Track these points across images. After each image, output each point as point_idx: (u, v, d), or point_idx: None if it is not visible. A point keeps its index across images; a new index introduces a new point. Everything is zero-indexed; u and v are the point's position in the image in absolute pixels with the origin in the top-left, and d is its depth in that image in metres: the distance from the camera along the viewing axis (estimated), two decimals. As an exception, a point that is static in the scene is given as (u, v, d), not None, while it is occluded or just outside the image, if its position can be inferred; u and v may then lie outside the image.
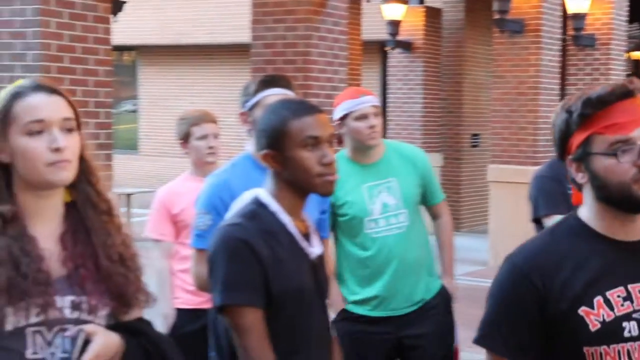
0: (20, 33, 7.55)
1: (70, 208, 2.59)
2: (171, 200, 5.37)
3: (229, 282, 2.83)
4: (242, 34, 15.15)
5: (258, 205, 2.95)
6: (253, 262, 2.81)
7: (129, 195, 15.61)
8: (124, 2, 8.89)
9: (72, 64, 7.70)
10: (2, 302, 2.33)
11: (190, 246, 4.19)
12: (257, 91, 4.12)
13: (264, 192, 2.99)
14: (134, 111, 23.22)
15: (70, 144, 2.44)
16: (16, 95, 2.48)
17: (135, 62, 23.12)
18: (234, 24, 19.24)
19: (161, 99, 22.87)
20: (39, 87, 2.51)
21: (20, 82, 2.56)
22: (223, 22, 20.70)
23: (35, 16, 7.47)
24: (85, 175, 2.55)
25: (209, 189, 4.10)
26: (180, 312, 5.31)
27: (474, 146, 17.92)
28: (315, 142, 2.88)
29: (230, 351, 2.96)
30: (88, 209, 2.60)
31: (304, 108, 3.00)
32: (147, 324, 2.70)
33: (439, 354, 4.86)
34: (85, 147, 2.55)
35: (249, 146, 4.17)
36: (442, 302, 4.92)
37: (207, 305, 4.52)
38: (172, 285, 5.40)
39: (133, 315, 2.62)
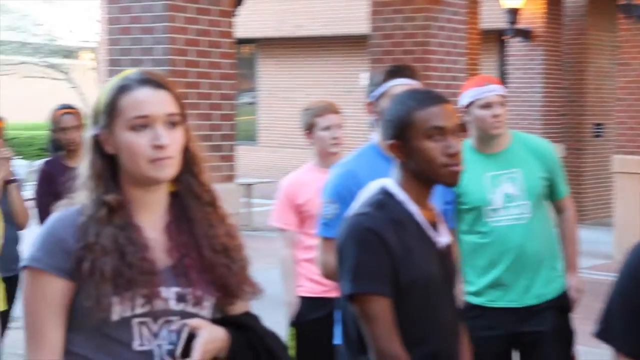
0: (149, 28, 7.68)
1: (174, 198, 2.60)
2: (295, 190, 5.41)
3: (358, 271, 2.82)
4: (357, 26, 15.22)
5: (385, 195, 2.94)
6: (382, 251, 2.80)
7: (249, 185, 15.79)
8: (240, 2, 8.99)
9: (197, 57, 7.80)
10: (108, 291, 2.33)
11: (317, 235, 4.18)
12: (383, 81, 4.10)
13: (390, 181, 2.98)
14: (253, 103, 23.45)
15: (174, 140, 2.44)
16: (123, 89, 2.47)
17: (254, 55, 23.36)
18: (349, 15, 19.33)
19: (279, 91, 23.04)
20: (145, 81, 2.49)
21: (127, 73, 2.54)
22: (339, 14, 20.75)
23: (163, 12, 7.59)
24: (189, 166, 2.55)
25: (335, 178, 4.10)
26: (304, 300, 5.34)
27: (597, 136, 17.52)
28: (440, 133, 2.85)
29: (359, 340, 2.93)
30: (191, 199, 2.60)
31: (430, 98, 2.98)
32: (254, 318, 2.69)
33: (557, 355, 4.80)
34: (190, 139, 2.56)
35: (374, 136, 4.17)
36: (564, 303, 4.87)
37: (331, 294, 4.71)
38: (296, 274, 5.42)
39: (239, 308, 2.62)
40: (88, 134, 2.54)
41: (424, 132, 2.84)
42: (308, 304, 5.33)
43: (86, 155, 2.53)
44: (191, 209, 2.57)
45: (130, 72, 2.53)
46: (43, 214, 6.29)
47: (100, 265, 2.33)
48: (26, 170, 7.16)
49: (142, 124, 2.39)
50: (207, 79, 7.96)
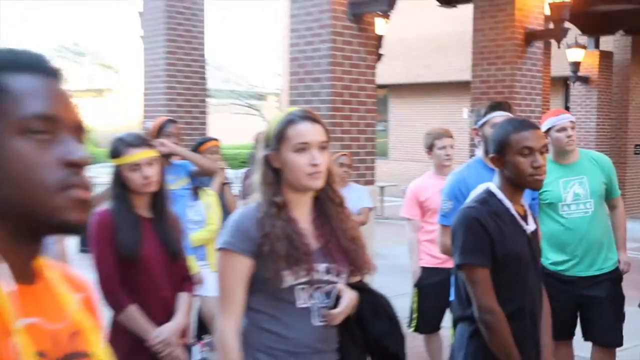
0: (317, 78, 7.96)
1: (315, 201, 2.65)
2: (420, 191, 5.40)
3: (465, 248, 2.84)
4: (461, 74, 15.17)
5: (488, 194, 2.94)
6: (483, 234, 2.81)
7: (382, 187, 15.94)
8: (382, 55, 9.22)
9: (350, 97, 7.96)
10: (282, 267, 2.43)
11: (437, 223, 4.23)
12: (486, 113, 4.16)
13: (492, 185, 2.97)
14: (385, 129, 23.72)
15: (323, 160, 2.50)
16: (290, 122, 2.54)
17: (387, 96, 23.47)
18: (456, 67, 19.27)
19: (404, 121, 23.14)
20: (306, 117, 2.56)
21: (292, 110, 2.63)
22: (448, 67, 20.73)
23: (327, 67, 7.79)
24: (327, 178, 2.59)
25: (451, 183, 4.13)
26: (424, 269, 5.33)
27: (637, 154, 17.66)
28: (529, 151, 2.84)
29: (466, 297, 2.91)
30: (327, 202, 2.65)
31: (524, 125, 2.97)
32: (368, 285, 2.78)
33: (611, 315, 4.67)
34: (329, 159, 2.61)
35: (479, 152, 4.23)
36: (617, 275, 4.79)
37: (444, 265, 4.83)
38: (419, 251, 5.39)
39: (356, 278, 2.69)
40: (261, 153, 2.64)
41: (517, 150, 2.84)
42: (427, 272, 5.31)
43: (259, 168, 2.63)
44: (328, 209, 2.66)
45: (294, 109, 2.67)
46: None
47: (276, 248, 2.46)
48: (233, 176, 7.20)
49: (303, 148, 2.49)
50: (356, 112, 8.07)
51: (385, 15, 8.58)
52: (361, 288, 2.67)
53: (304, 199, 2.61)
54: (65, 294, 1.16)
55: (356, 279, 2.68)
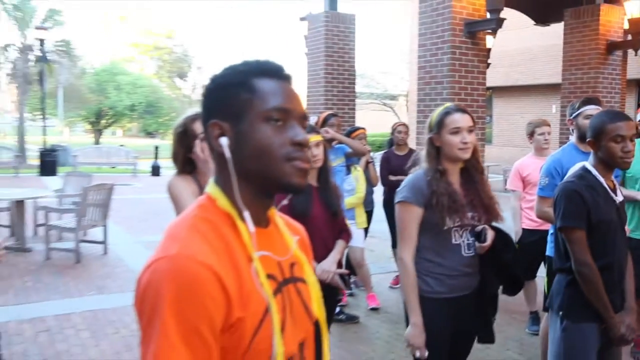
0: (440, 81, 7.92)
1: (463, 170, 2.81)
2: (522, 168, 5.26)
3: (566, 214, 2.74)
4: (551, 78, 14.73)
5: (585, 171, 2.82)
6: (581, 203, 2.71)
7: (487, 166, 15.68)
8: (489, 63, 8.98)
9: (465, 96, 7.89)
10: (445, 214, 2.66)
11: (536, 194, 4.07)
12: (579, 107, 4.01)
13: (588, 164, 2.85)
14: (489, 122, 23.22)
15: (471, 139, 2.71)
16: (447, 113, 2.75)
17: (491, 96, 23.02)
18: (547, 71, 18.68)
19: (504, 115, 23.12)
20: (458, 109, 2.78)
21: (447, 105, 2.84)
22: (540, 72, 20.16)
23: (448, 72, 7.81)
24: (473, 153, 2.75)
25: (549, 162, 3.99)
26: (524, 230, 5.20)
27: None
28: (621, 139, 2.72)
29: (565, 254, 2.81)
30: (473, 170, 2.82)
31: (618, 116, 2.83)
32: (499, 227, 2.89)
33: None
34: (475, 139, 2.79)
35: (573, 138, 4.06)
36: None
37: (540, 227, 4.80)
38: (520, 216, 5.28)
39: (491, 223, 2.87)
40: (426, 136, 2.82)
41: (612, 137, 2.73)
42: (527, 232, 5.17)
43: (426, 147, 2.82)
44: (473, 176, 2.82)
45: (449, 104, 2.87)
46: (384, 179, 6.68)
47: (441, 201, 2.67)
48: (373, 157, 7.41)
49: (456, 131, 2.70)
50: (470, 108, 7.43)
51: (493, 32, 8.39)
52: (495, 228, 2.85)
53: (455, 168, 2.79)
54: (288, 236, 1.27)
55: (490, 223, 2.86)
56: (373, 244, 8.20)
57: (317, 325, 1.29)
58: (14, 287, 6.54)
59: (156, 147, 21.93)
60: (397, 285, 6.70)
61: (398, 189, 2.87)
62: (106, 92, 39.90)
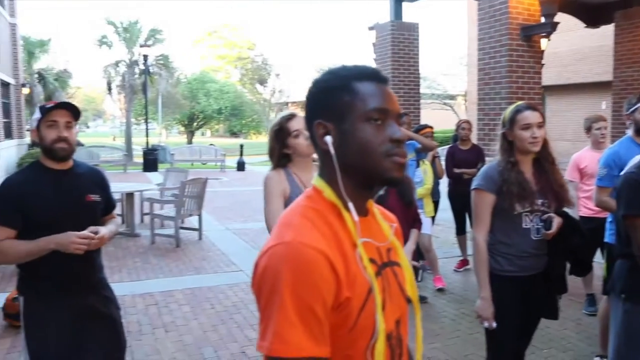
0: (499, 82, 7.69)
1: (535, 161, 2.75)
2: (580, 160, 5.02)
3: (628, 202, 2.60)
4: (601, 76, 14.10)
5: None
6: None
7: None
8: (543, 64, 8.65)
9: (522, 95, 7.59)
10: (514, 201, 2.62)
11: (593, 184, 3.90)
12: (636, 102, 3.76)
13: None
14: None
15: (540, 133, 2.65)
16: (518, 111, 2.69)
17: (544, 94, 22.15)
18: (595, 72, 17.95)
19: (556, 112, 22.11)
20: (528, 107, 2.70)
21: (518, 104, 2.76)
22: (589, 71, 19.36)
23: (505, 74, 7.58)
24: (544, 145, 2.69)
25: (607, 155, 3.77)
26: (582, 218, 4.89)
27: None
28: None
29: (626, 240, 2.66)
30: (544, 161, 2.74)
31: None
32: (568, 213, 2.82)
33: None
34: (544, 132, 2.71)
35: (630, 132, 3.81)
36: None
37: (597, 215, 4.53)
38: (579, 205, 5.00)
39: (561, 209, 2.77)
40: (500, 132, 2.77)
41: None
42: (584, 220, 4.79)
43: (499, 141, 2.77)
44: (545, 166, 2.74)
45: (520, 102, 2.79)
46: (449, 172, 6.55)
47: (511, 189, 2.63)
48: (439, 152, 7.28)
49: (527, 127, 2.64)
50: None
51: (548, 35, 8.08)
52: (564, 214, 2.78)
53: (527, 159, 2.73)
54: (384, 224, 1.27)
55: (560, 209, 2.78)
56: (438, 231, 8.07)
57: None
58: (127, 267, 6.81)
59: (241, 146, 22.37)
60: (461, 269, 6.64)
61: (474, 177, 2.84)
62: (197, 98, 41.01)
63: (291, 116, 2.78)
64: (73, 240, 2.37)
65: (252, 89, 32.08)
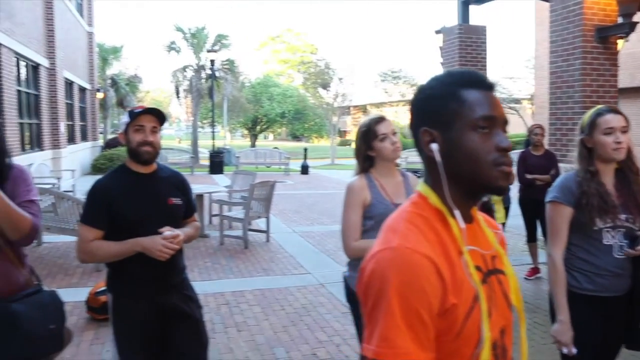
0: (572, 85, 7.44)
1: (617, 171, 2.55)
2: None
3: None
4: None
5: None
6: None
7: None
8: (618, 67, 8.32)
9: (597, 98, 7.29)
10: (595, 215, 2.43)
11: None
12: None
13: None
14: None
15: (624, 139, 2.46)
16: (599, 114, 2.49)
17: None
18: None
19: (631, 116, 21.09)
20: (610, 110, 2.50)
21: (599, 107, 2.56)
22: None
23: (579, 77, 7.33)
24: (628, 153, 2.50)
25: None
26: None
27: None
28: None
29: None
30: (628, 171, 2.53)
31: None
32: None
33: None
34: (629, 139, 2.52)
35: None
36: None
37: None
38: None
39: None
40: (578, 138, 2.57)
41: None
42: None
43: (577, 148, 2.57)
44: (628, 176, 2.53)
45: (601, 106, 2.59)
46: (520, 177, 6.38)
47: (591, 201, 2.45)
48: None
49: (609, 132, 2.44)
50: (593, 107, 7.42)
51: (626, 36, 7.77)
52: None
53: (609, 169, 2.54)
54: (489, 231, 1.26)
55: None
56: (507, 237, 7.83)
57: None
58: (198, 267, 7.00)
59: (305, 149, 22.58)
60: (532, 277, 6.46)
61: (549, 189, 2.65)
62: (261, 102, 41.68)
63: (380, 119, 2.79)
64: (160, 248, 2.46)
65: (315, 92, 32.27)
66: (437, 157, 1.14)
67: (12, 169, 2.30)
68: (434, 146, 1.15)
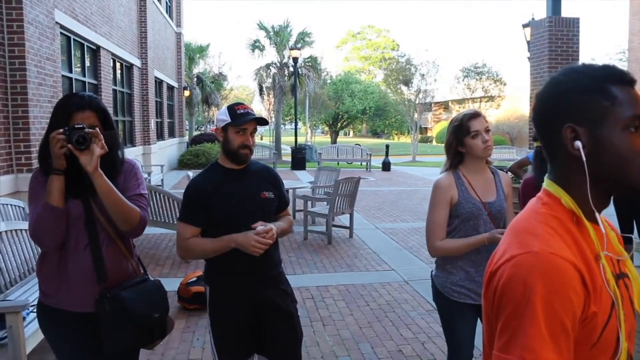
0: None
1: None
2: None
3: None
4: None
5: None
6: None
7: None
8: None
9: None
10: None
11: None
12: None
13: None
14: None
15: None
16: None
17: None
18: None
19: None
20: None
21: None
22: None
23: None
24: None
25: None
26: None
27: None
28: None
29: None
30: None
31: None
32: None
33: None
34: None
35: None
36: None
37: None
38: None
39: None
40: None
41: None
42: None
43: None
44: None
45: None
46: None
47: None
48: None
49: None
50: None
51: None
52: None
53: None
54: (612, 233, 1.20)
55: None
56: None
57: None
58: (283, 261, 7.09)
59: (387, 146, 22.46)
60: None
61: None
62: (342, 98, 41.85)
63: (474, 115, 2.71)
64: (253, 243, 2.48)
65: (396, 89, 31.97)
66: (583, 155, 1.09)
67: (124, 163, 2.39)
68: (579, 144, 1.09)
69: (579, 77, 1.12)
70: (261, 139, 50.15)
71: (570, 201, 1.11)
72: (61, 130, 2.13)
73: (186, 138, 25.06)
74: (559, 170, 1.15)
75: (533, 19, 10.36)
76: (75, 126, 2.14)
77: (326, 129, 49.43)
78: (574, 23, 9.82)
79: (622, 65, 26.94)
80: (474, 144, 2.66)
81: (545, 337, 0.96)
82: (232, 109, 2.61)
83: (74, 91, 8.98)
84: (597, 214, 1.10)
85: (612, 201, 5.65)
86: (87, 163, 2.12)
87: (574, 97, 1.11)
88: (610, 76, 1.10)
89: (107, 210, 2.21)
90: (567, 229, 1.08)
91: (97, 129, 2.19)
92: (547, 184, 1.17)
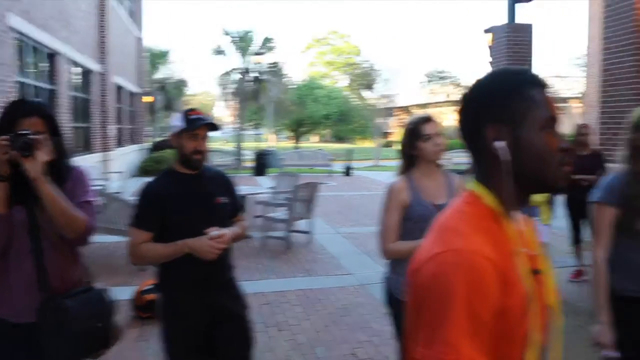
0: (623, 83, 7.17)
1: None
2: None
3: None
4: None
5: None
6: None
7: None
8: None
9: None
10: (637, 218, 2.36)
11: None
12: None
13: None
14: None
15: None
16: None
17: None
18: None
19: None
20: None
21: None
22: None
23: (632, 73, 7.02)
24: None
25: None
26: None
27: None
28: None
29: None
30: None
31: None
32: None
33: None
34: None
35: None
36: None
37: None
38: None
39: None
40: (626, 138, 2.52)
41: None
42: None
43: (625, 148, 2.52)
44: None
45: None
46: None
47: (635, 204, 2.39)
48: None
49: None
50: None
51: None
52: None
53: None
54: (528, 230, 1.24)
55: None
56: (552, 239, 7.70)
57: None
58: (241, 267, 6.98)
59: (350, 151, 22.61)
60: (577, 279, 6.32)
61: (594, 189, 2.60)
62: (305, 104, 41.89)
63: (427, 119, 2.76)
64: (206, 248, 2.50)
65: (360, 94, 32.24)
66: (504, 155, 1.12)
67: (72, 170, 2.38)
68: (501, 144, 1.13)
69: (500, 79, 1.17)
70: (224, 144, 49.86)
71: (492, 200, 1.15)
72: (5, 136, 2.11)
73: (147, 144, 24.73)
74: (482, 170, 1.19)
75: (494, 25, 10.62)
76: (20, 132, 2.11)
77: (290, 134, 49.43)
78: (527, 29, 10.10)
79: (582, 70, 27.76)
80: (426, 147, 2.71)
81: (467, 333, 0.99)
82: (188, 118, 2.63)
83: (29, 97, 8.79)
84: (516, 214, 1.14)
85: (563, 203, 5.79)
86: (30, 169, 2.10)
87: (496, 98, 1.15)
88: (529, 79, 1.15)
89: (51, 217, 2.19)
90: (488, 227, 1.11)
91: (45, 135, 2.17)
92: (471, 183, 1.21)
